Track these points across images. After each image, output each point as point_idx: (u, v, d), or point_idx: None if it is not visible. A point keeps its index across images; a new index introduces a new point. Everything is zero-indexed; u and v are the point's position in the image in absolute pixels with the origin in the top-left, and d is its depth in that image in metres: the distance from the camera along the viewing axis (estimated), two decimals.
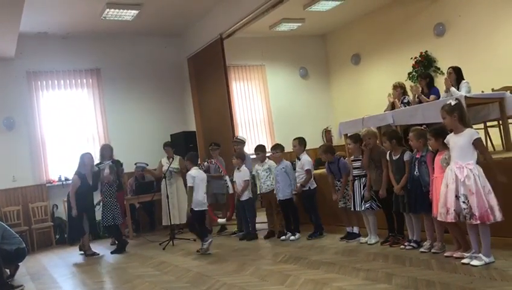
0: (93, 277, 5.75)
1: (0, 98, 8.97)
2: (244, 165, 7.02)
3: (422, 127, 4.94)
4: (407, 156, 4.88)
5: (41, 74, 9.38)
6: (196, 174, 6.34)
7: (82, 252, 7.44)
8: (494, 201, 3.91)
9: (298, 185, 6.31)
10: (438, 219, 4.23)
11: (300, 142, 6.47)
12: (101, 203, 7.45)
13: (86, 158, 7.30)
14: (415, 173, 4.73)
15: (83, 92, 9.77)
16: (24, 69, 9.18)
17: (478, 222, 3.90)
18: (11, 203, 8.81)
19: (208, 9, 9.15)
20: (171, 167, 7.87)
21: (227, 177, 7.27)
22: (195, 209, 6.27)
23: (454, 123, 4.14)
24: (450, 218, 4.04)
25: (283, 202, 6.47)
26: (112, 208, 7.19)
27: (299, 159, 6.36)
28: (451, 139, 4.18)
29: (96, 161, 7.85)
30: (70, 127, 9.53)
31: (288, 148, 7.11)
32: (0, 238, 5.71)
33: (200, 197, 6.31)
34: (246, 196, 6.92)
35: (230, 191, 7.15)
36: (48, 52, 9.38)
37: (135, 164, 8.24)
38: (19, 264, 6.19)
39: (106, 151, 8.04)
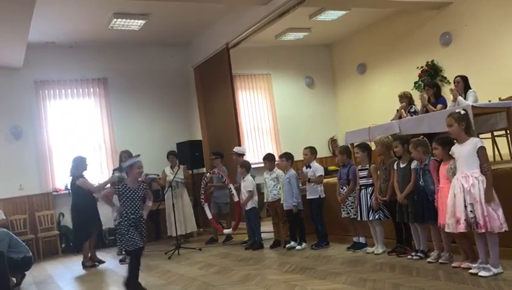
0: (99, 286, 5.76)
1: (8, 107, 9.03)
2: (249, 174, 7.03)
3: (420, 137, 4.93)
4: (414, 164, 4.85)
5: (48, 83, 9.44)
6: None
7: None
8: (499, 210, 3.89)
9: (309, 183, 6.27)
10: (446, 230, 4.19)
11: (312, 151, 6.48)
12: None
13: (78, 161, 7.17)
14: (420, 182, 4.72)
15: (89, 101, 9.82)
16: (32, 79, 9.24)
17: (483, 230, 3.87)
18: (17, 212, 8.83)
19: (214, 19, 9.20)
20: (176, 177, 7.84)
21: (231, 186, 7.25)
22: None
23: (460, 132, 4.14)
24: (461, 228, 3.99)
25: (287, 211, 6.47)
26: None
27: (310, 167, 6.35)
28: (456, 149, 4.17)
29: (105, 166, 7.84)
30: (77, 136, 9.56)
31: (296, 156, 7.05)
32: (7, 246, 5.74)
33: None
34: (249, 206, 6.93)
35: (236, 199, 7.14)
36: (56, 61, 9.45)
37: (146, 174, 8.17)
38: (25, 272, 6.21)
39: (125, 157, 8.00)
